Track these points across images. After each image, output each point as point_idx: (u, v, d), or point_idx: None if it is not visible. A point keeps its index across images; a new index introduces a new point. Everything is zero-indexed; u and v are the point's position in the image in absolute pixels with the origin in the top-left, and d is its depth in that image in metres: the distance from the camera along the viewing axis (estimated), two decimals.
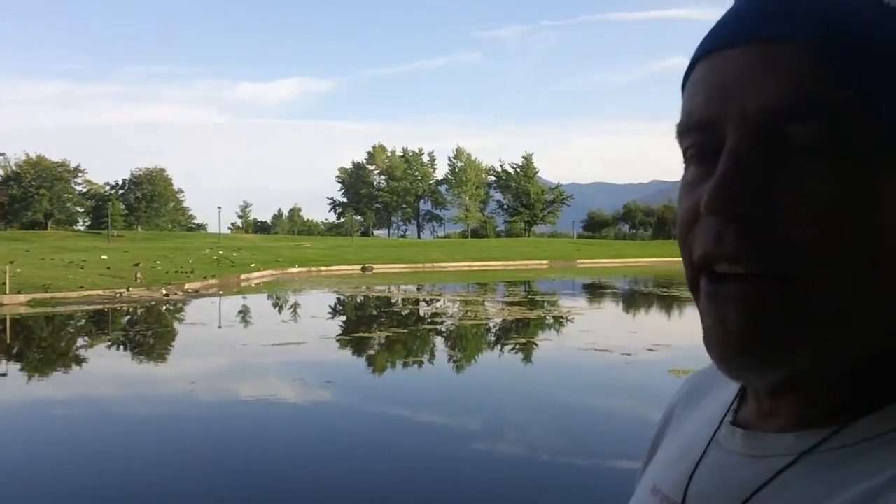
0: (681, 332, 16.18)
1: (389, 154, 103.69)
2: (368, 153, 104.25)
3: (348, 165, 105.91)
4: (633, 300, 27.55)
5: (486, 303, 24.15)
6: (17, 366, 13.18)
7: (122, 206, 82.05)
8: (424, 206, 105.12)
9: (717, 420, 0.57)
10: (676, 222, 0.50)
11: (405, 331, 17.12)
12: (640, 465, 0.71)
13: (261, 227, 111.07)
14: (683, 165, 0.50)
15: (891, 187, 0.42)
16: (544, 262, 53.54)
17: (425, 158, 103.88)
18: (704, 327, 0.48)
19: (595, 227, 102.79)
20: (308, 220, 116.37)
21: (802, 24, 0.43)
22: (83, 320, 19.43)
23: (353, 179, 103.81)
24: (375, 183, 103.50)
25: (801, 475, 0.46)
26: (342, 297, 26.86)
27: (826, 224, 0.42)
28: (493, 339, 16.40)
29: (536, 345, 15.21)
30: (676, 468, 0.57)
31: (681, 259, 0.50)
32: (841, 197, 0.42)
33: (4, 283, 22.53)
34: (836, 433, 0.45)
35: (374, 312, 22.19)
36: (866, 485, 0.41)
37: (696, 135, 0.48)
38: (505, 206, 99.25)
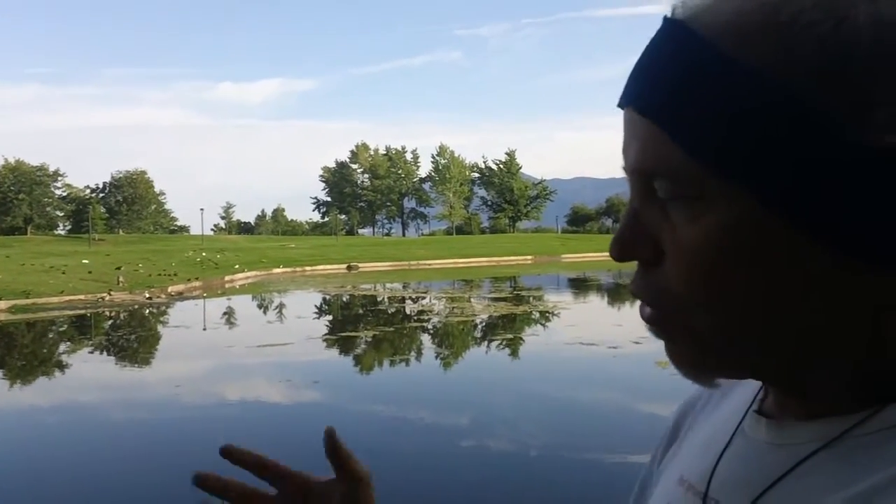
0: None
1: (373, 152, 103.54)
2: (352, 152, 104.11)
3: (332, 164, 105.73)
4: (617, 293, 27.62)
5: (472, 299, 24.14)
6: None
7: (102, 209, 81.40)
8: (409, 203, 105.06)
9: (742, 410, 0.58)
10: None
11: (392, 329, 17.07)
12: (636, 457, 0.67)
13: (244, 228, 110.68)
14: None
15: (738, 225, 0.45)
16: (529, 257, 53.63)
17: (409, 156, 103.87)
18: None
19: (579, 221, 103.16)
20: (292, 220, 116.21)
21: (647, 99, 0.48)
22: (65, 326, 19.22)
23: (337, 178, 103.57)
24: (359, 182, 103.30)
25: (825, 462, 0.47)
26: (328, 297, 26.75)
27: (694, 266, 0.47)
28: (479, 335, 16.37)
29: (523, 340, 15.21)
30: (702, 458, 0.58)
31: None
32: (697, 240, 0.46)
33: None
34: (860, 423, 0.47)
35: (361, 311, 22.11)
36: (890, 471, 0.43)
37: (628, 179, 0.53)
38: (489, 203, 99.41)
